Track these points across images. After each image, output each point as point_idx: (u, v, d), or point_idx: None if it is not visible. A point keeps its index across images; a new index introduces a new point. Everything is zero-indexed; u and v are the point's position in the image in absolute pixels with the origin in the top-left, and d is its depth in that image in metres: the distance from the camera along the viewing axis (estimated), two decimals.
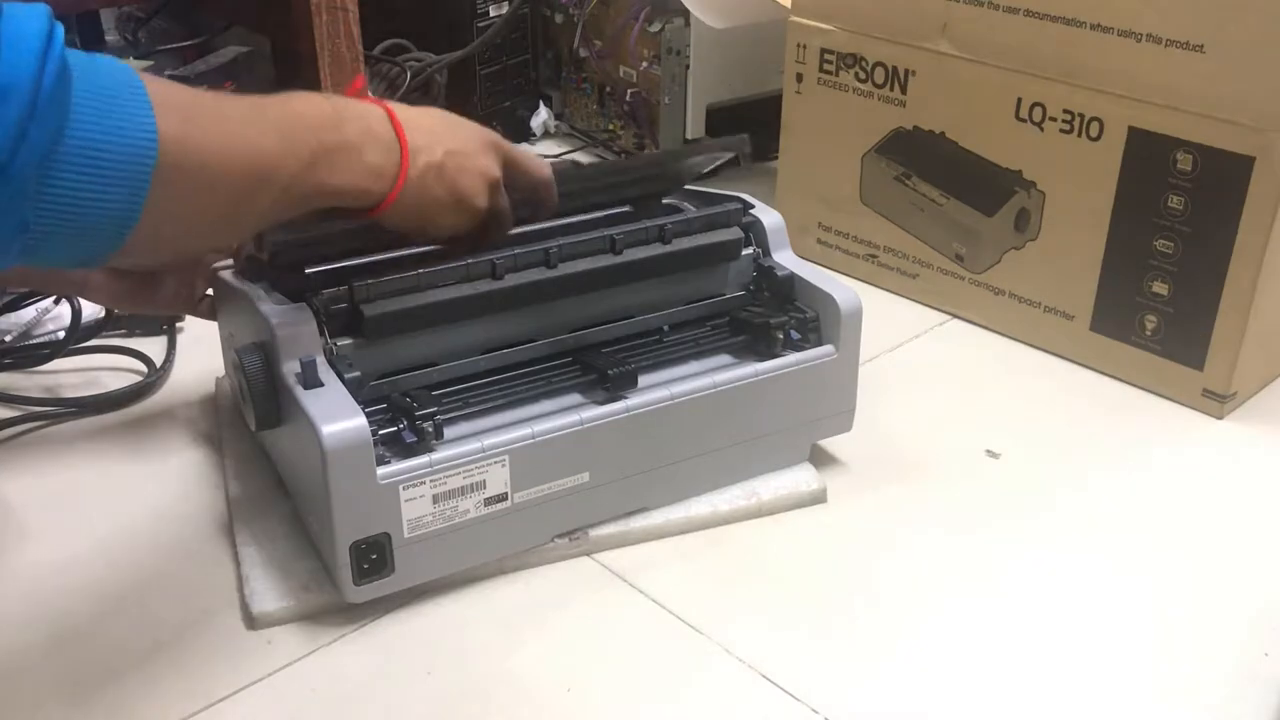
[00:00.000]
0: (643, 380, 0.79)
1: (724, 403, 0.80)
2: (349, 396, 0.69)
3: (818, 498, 0.85)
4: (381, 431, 0.70)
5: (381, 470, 0.69)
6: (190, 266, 0.84)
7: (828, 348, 0.83)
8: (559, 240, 0.79)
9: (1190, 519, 0.85)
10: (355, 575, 0.70)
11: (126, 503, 0.84)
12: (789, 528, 0.83)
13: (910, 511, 0.85)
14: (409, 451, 0.71)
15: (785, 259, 0.87)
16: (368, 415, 0.68)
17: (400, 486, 0.69)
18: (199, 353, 0.99)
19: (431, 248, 0.77)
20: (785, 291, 0.86)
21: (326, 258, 0.77)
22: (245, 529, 0.79)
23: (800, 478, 0.85)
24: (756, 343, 0.84)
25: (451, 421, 0.73)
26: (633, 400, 0.77)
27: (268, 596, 0.74)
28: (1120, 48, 0.93)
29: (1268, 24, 0.85)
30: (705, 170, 0.91)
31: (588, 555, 0.79)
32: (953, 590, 0.77)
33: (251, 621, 0.73)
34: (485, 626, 0.74)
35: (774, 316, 0.83)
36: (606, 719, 0.68)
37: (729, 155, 0.90)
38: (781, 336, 0.83)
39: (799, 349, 0.83)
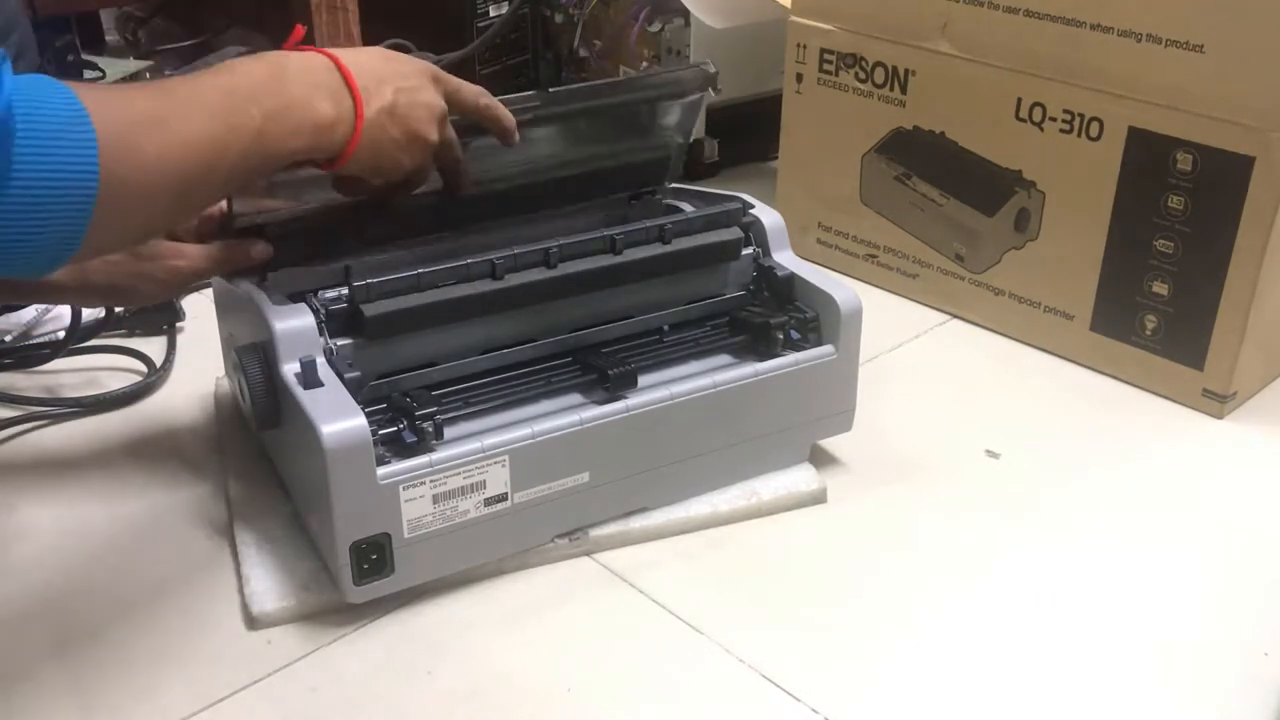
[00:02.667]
0: (643, 380, 0.79)
1: (724, 403, 0.80)
2: (349, 396, 0.69)
3: (818, 498, 0.85)
4: (381, 431, 0.70)
5: (381, 470, 0.69)
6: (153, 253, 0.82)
7: (828, 348, 0.83)
8: (559, 240, 0.79)
9: (1190, 519, 0.85)
10: (355, 575, 0.70)
11: (126, 503, 0.84)
12: (789, 528, 0.83)
13: (910, 511, 0.85)
14: (409, 451, 0.70)
15: (785, 259, 0.87)
16: (368, 415, 0.68)
17: (400, 486, 0.69)
18: (199, 353, 0.99)
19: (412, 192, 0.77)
20: (785, 291, 0.86)
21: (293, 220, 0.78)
22: (245, 529, 0.79)
23: (800, 478, 0.85)
24: (756, 343, 0.84)
25: (451, 421, 0.73)
26: (633, 400, 0.77)
27: (268, 596, 0.74)
28: (1120, 47, 0.93)
29: (1268, 24, 0.85)
30: (680, 107, 0.88)
31: (588, 555, 0.79)
32: (952, 590, 0.77)
33: (251, 622, 0.73)
34: (485, 626, 0.74)
35: (774, 316, 0.83)
36: (606, 719, 0.68)
37: (699, 95, 0.88)
38: (781, 336, 0.83)
39: (799, 349, 0.83)
